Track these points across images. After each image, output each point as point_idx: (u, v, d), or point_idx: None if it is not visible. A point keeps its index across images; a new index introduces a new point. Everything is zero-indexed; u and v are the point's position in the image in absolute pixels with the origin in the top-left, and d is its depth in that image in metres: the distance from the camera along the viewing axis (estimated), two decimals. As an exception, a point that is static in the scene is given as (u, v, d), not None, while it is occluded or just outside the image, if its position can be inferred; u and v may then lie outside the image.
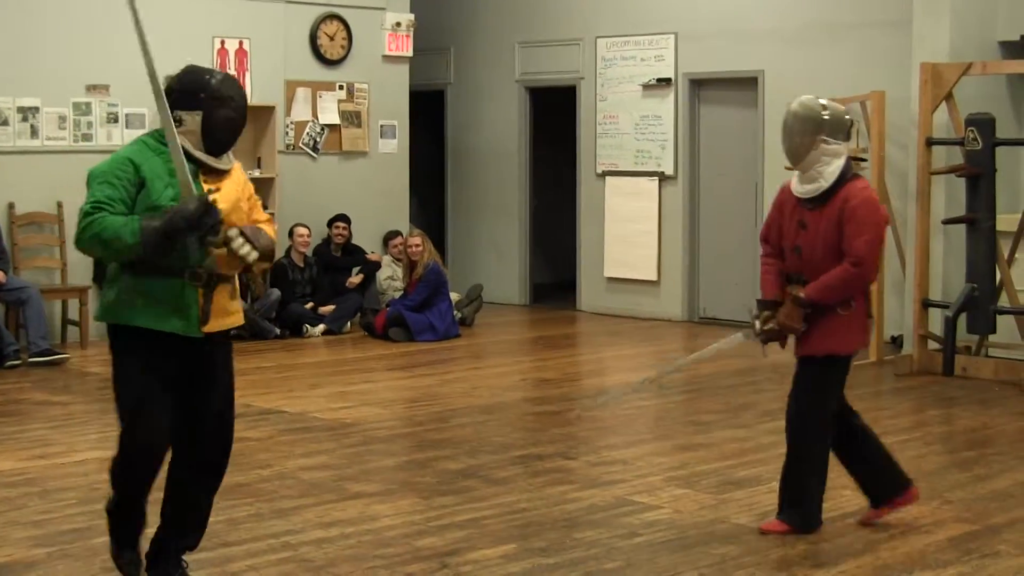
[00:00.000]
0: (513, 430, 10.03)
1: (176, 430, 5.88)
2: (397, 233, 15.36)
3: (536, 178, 17.56)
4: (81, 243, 5.55)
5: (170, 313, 5.65)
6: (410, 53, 15.95)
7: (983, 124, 12.05)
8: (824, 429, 7.14)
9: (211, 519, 7.40)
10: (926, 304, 12.69)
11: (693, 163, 15.78)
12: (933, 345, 12.59)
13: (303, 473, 8.49)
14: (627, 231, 16.18)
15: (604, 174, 16.37)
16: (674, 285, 15.95)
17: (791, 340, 7.15)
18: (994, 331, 12.34)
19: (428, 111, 17.79)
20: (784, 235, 7.10)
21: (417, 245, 14.41)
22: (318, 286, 14.74)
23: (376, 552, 6.76)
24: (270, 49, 14.75)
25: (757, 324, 7.18)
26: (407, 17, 15.89)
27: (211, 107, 5.71)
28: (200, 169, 5.72)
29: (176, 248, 5.53)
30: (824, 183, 6.88)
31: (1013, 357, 12.31)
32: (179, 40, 13.90)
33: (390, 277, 15.08)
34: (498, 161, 17.44)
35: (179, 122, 5.67)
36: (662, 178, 15.91)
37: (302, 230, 14.54)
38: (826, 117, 6.90)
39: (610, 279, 16.44)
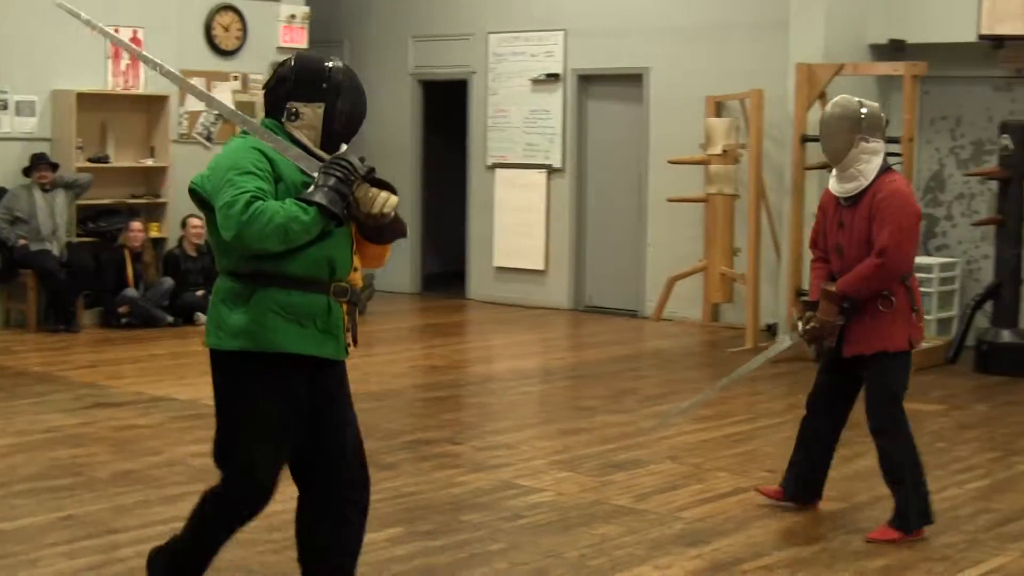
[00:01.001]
0: (402, 416, 10.05)
1: (303, 462, 5.17)
2: (290, 222, 15.28)
3: (428, 170, 17.57)
4: (250, 236, 4.69)
5: (320, 334, 4.92)
6: (305, 45, 15.83)
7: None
8: (902, 426, 6.98)
9: (98, 507, 7.38)
10: (799, 293, 12.85)
11: (580, 156, 15.88)
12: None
13: (193, 459, 8.38)
14: (516, 222, 16.24)
15: (494, 166, 16.42)
16: (561, 274, 16.04)
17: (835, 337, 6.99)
18: (864, 319, 12.51)
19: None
20: (828, 236, 7.06)
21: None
22: (211, 275, 14.55)
23: (266, 536, 6.72)
24: (164, 39, 14.55)
25: (800, 324, 7.12)
26: (302, 9, 15.81)
27: (334, 98, 5.02)
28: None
29: (348, 207, 4.88)
30: (864, 181, 6.81)
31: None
32: (73, 27, 13.75)
33: (283, 266, 15.00)
34: (391, 153, 17.40)
35: (295, 115, 4.98)
36: (550, 171, 15.98)
37: (195, 221, 14.29)
38: (863, 116, 6.82)
39: (499, 268, 16.50)
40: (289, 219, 4.68)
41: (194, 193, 4.93)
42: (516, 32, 16.26)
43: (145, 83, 14.57)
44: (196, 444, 8.77)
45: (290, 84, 4.99)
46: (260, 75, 15.35)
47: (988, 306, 12.22)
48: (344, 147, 5.06)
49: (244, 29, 15.35)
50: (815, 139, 12.58)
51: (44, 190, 13.42)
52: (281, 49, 15.55)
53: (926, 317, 10.60)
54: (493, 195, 16.44)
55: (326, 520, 5.19)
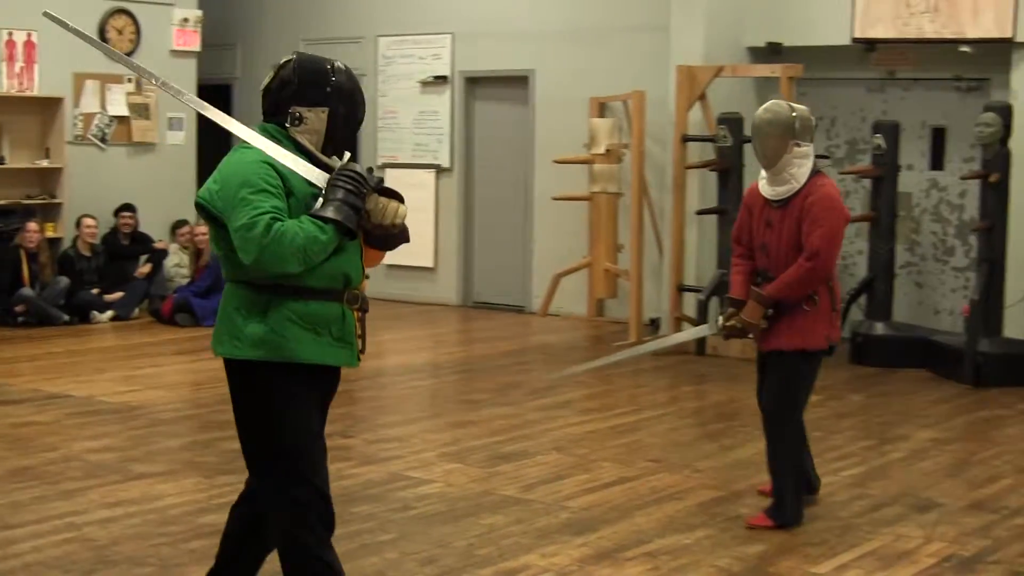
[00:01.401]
0: (295, 410, 9.97)
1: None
2: (185, 222, 15.14)
3: (320, 170, 17.45)
4: (270, 260, 4.49)
5: (335, 343, 4.77)
6: (198, 48, 15.71)
7: (733, 122, 12.36)
8: (795, 423, 6.99)
9: None
10: (681, 289, 12.97)
11: (468, 156, 15.85)
12: (687, 326, 12.86)
13: (89, 455, 8.32)
14: (406, 220, 16.14)
15: (384, 166, 16.34)
16: (450, 271, 16.02)
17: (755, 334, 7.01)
18: (743, 313, 12.61)
19: (216, 104, 17.42)
20: (753, 234, 6.98)
21: (204, 233, 14.27)
22: (105, 274, 14.46)
23: (160, 530, 6.69)
24: (58, 41, 14.19)
25: (720, 319, 7.08)
26: (195, 13, 15.64)
27: (337, 102, 4.78)
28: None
29: (361, 218, 4.67)
30: (796, 184, 6.76)
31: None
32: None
33: (177, 264, 14.86)
34: (283, 153, 17.32)
35: (299, 120, 4.73)
36: (439, 170, 15.95)
37: (89, 221, 14.23)
38: (796, 121, 6.77)
39: (389, 266, 16.41)
40: (308, 240, 4.49)
41: (202, 208, 4.73)
42: (405, 35, 16.21)
43: (40, 85, 14.34)
44: (92, 440, 8.72)
45: (293, 87, 4.75)
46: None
47: (863, 300, 12.36)
48: (347, 154, 4.82)
49: (137, 32, 15.15)
50: (696, 139, 12.78)
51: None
52: (175, 52, 15.41)
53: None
54: (383, 194, 16.35)
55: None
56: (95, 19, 14.79)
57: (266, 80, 4.83)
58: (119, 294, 14.31)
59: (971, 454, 8.82)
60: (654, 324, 13.71)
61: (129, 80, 15.02)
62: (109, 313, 14.16)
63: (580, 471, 8.16)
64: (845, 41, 12.69)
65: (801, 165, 6.76)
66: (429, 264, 16.09)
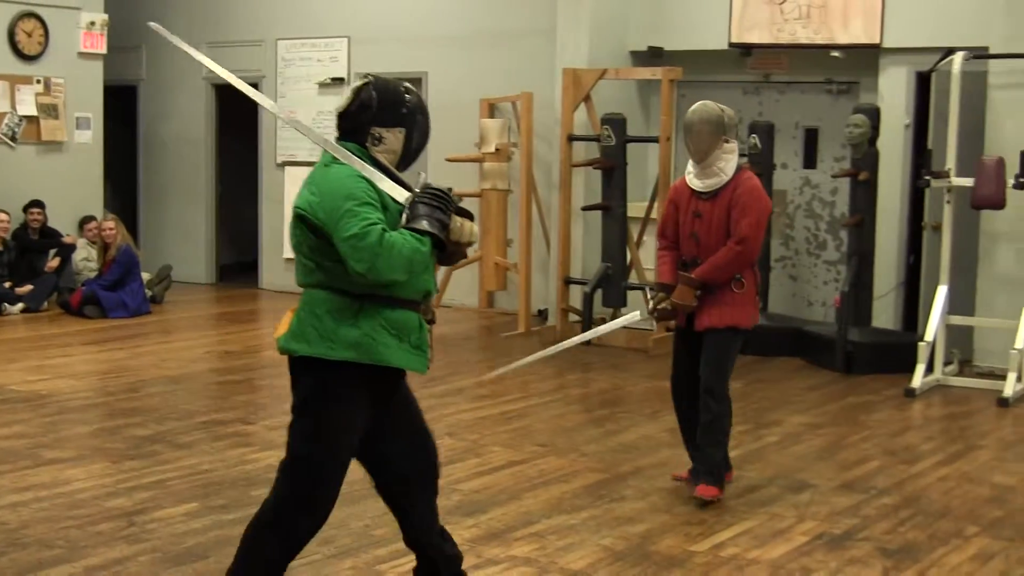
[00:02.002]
0: (198, 398, 9.92)
1: (377, 463, 5.06)
2: (92, 218, 14.98)
3: (223, 166, 17.28)
4: (383, 268, 4.55)
5: (413, 350, 4.83)
6: (104, 50, 15.53)
7: (616, 123, 12.42)
8: (728, 395, 7.20)
9: None
10: (567, 281, 13.02)
11: (364, 154, 15.78)
12: (573, 317, 12.93)
13: (0, 442, 8.22)
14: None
15: (283, 164, 16.25)
16: (347, 264, 15.93)
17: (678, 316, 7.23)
18: (625, 304, 12.69)
19: (122, 104, 17.35)
20: (681, 225, 7.20)
21: (111, 228, 14.16)
22: (15, 268, 14.29)
23: (68, 513, 6.64)
24: (-34, 45, 14.26)
25: (651, 303, 7.34)
26: (101, 16, 15.46)
27: (412, 123, 4.88)
28: None
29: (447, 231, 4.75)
30: (725, 177, 7.06)
31: (641, 328, 12.62)
32: None
33: (85, 258, 14.70)
34: (187, 150, 17.15)
35: (379, 140, 4.82)
36: (336, 168, 15.86)
37: (1, 216, 14.10)
38: (725, 118, 7.04)
39: (288, 259, 16.32)
40: (413, 251, 4.59)
41: (303, 219, 4.72)
42: (303, 39, 16.11)
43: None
44: (3, 427, 8.66)
45: (373, 110, 4.82)
46: (62, 79, 15.04)
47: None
48: (423, 174, 4.92)
49: (46, 34, 14.95)
50: (581, 138, 12.84)
51: None
52: (82, 54, 15.25)
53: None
54: (284, 190, 16.27)
55: (422, 522, 5.16)
56: (4, 23, 14.60)
57: (344, 102, 4.88)
58: (29, 287, 14.13)
59: (841, 438, 8.96)
60: (542, 315, 13.76)
61: (38, 81, 14.84)
62: (20, 305, 13.98)
63: (471, 456, 8.19)
64: (723, 46, 12.80)
65: (729, 160, 7.07)
66: (327, 258, 16.01)
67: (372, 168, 4.74)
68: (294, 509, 4.84)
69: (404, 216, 4.71)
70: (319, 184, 4.72)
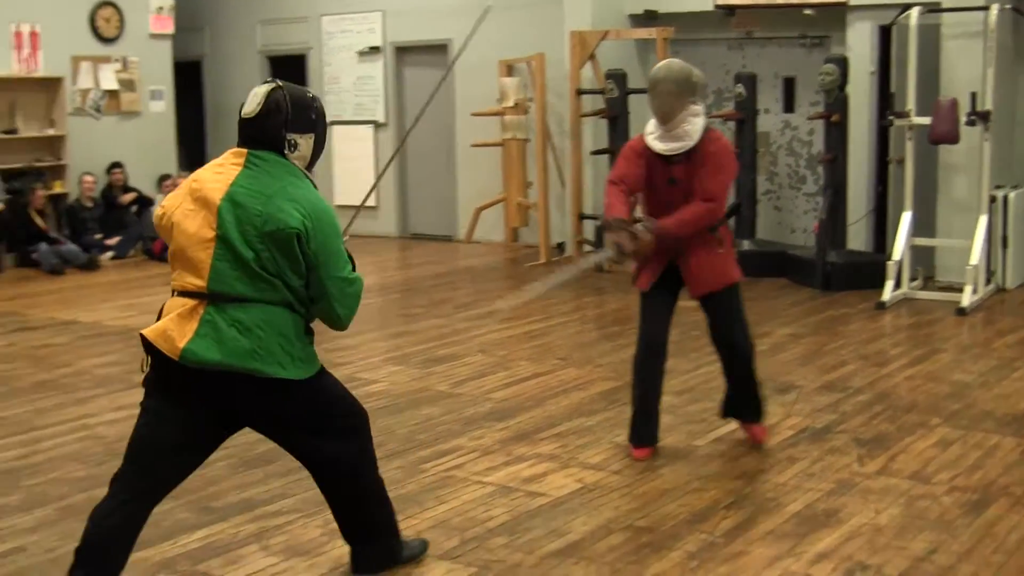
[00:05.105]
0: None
1: None
2: (168, 176, 15.01)
3: (277, 128, 17.26)
4: (352, 317, 4.25)
5: None
6: (172, 31, 15.50)
7: (619, 77, 12.32)
8: (751, 338, 6.17)
9: (22, 410, 7.34)
10: (581, 216, 12.95)
11: (400, 113, 15.68)
12: (587, 248, 12.87)
13: (97, 369, 8.31)
14: (350, 167, 16.05)
15: (330, 124, 16.19)
16: (389, 209, 15.89)
17: (633, 272, 6.19)
18: (632, 235, 12.64)
19: (190, 78, 17.28)
20: (655, 192, 5.94)
21: (183, 184, 14.19)
22: (104, 222, 14.35)
23: None
24: (57, 31, 14.29)
25: (617, 241, 5.79)
26: (168, 2, 15.39)
27: (320, 127, 4.22)
28: None
29: None
30: (690, 141, 5.80)
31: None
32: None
33: (163, 211, 14.72)
34: (246, 116, 17.13)
35: (295, 146, 4.12)
36: (376, 125, 15.78)
37: (88, 178, 14.25)
38: (694, 79, 5.85)
39: (339, 206, 16.24)
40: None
41: (297, 237, 4.01)
42: (343, 14, 15.96)
43: (44, 67, 14.20)
44: (99, 357, 8.71)
45: (286, 115, 4.08)
46: (137, 57, 15.02)
47: (732, 222, 12.34)
48: None
49: (122, 20, 14.96)
50: (588, 92, 12.71)
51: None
52: (153, 35, 15.25)
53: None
54: (331, 147, 16.21)
55: None
56: (86, 12, 14.65)
57: (254, 106, 4.11)
58: (117, 238, 14.21)
59: (821, 345, 8.88)
60: (560, 247, 13.69)
61: (116, 60, 14.87)
62: (109, 254, 14.06)
63: (501, 369, 8.16)
64: (709, 7, 12.59)
65: (694, 123, 5.83)
66: (372, 203, 15.97)
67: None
68: (372, 457, 4.54)
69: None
70: (306, 207, 4.05)
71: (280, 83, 4.16)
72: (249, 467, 5.94)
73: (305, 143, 4.15)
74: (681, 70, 5.86)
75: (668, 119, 5.81)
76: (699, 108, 5.88)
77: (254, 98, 4.11)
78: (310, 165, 4.21)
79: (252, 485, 5.76)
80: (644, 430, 6.22)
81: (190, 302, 4.09)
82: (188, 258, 4.08)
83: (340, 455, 4.35)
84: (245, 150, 4.12)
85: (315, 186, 4.17)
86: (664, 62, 6.00)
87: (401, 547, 4.73)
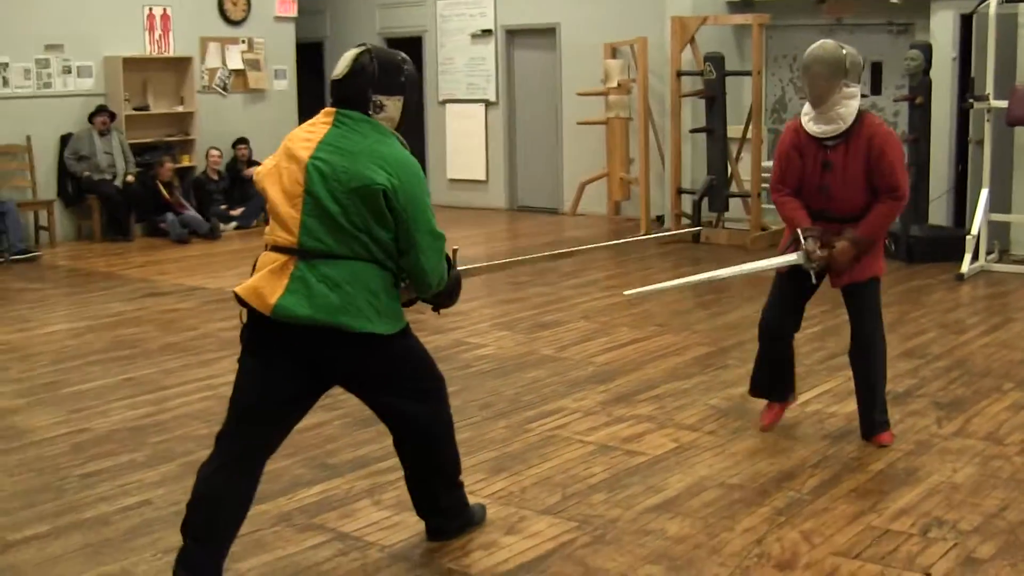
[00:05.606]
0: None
1: None
2: (291, 151, 15.23)
3: (394, 107, 17.41)
4: (442, 271, 4.17)
5: None
6: (295, 14, 15.69)
7: (716, 60, 12.30)
8: (882, 340, 5.83)
9: (151, 370, 7.43)
10: (679, 191, 12.98)
11: (510, 92, 15.81)
12: (685, 221, 12.92)
13: (221, 332, 8.45)
14: (462, 144, 16.21)
15: (444, 102, 16.33)
16: (498, 183, 16.04)
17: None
18: (727, 209, 12.70)
19: (311, 58, 17.54)
20: (807, 176, 5.61)
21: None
22: (229, 193, 14.59)
23: None
24: (187, 13, 14.44)
25: (815, 250, 5.57)
26: (292, -14, 15.69)
27: (410, 91, 4.13)
28: None
29: None
30: (843, 124, 5.46)
31: (740, 228, 12.68)
32: (115, 8, 13.72)
33: (287, 184, 14.95)
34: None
35: (380, 107, 4.05)
36: (487, 104, 15.92)
37: (215, 152, 14.33)
38: (848, 63, 5.48)
39: (451, 180, 16.49)
40: (446, 271, 4.22)
41: (384, 195, 3.94)
42: (457, -3, 16.17)
43: (174, 48, 14.42)
44: (223, 321, 8.81)
45: (374, 77, 4.03)
46: (262, 39, 15.24)
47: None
48: None
49: (248, 3, 15.13)
50: (687, 74, 12.74)
51: (101, 134, 13.33)
52: (278, 18, 15.43)
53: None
54: (445, 124, 16.40)
55: None
56: (216, -2, 14.95)
57: (342, 68, 4.09)
58: (241, 209, 14.43)
59: (904, 314, 8.88)
60: (659, 220, 13.74)
61: (243, 41, 15.06)
62: (233, 224, 14.28)
63: (602, 335, 8.27)
64: (804, -7, 12.60)
65: (848, 105, 5.48)
66: (482, 177, 16.15)
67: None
68: (449, 423, 4.51)
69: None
70: (394, 165, 3.97)
71: (369, 46, 4.12)
72: (363, 426, 6.03)
73: (392, 105, 4.08)
74: (834, 52, 5.50)
75: (820, 102, 5.50)
76: (854, 90, 5.51)
77: (343, 61, 4.11)
78: (399, 127, 4.11)
79: (366, 443, 5.86)
80: (775, 386, 6.04)
81: (281, 258, 4.00)
82: (279, 214, 4.01)
83: (419, 415, 4.29)
84: (335, 109, 4.10)
85: (404, 145, 4.07)
86: (817, 43, 5.62)
87: (471, 517, 4.71)
